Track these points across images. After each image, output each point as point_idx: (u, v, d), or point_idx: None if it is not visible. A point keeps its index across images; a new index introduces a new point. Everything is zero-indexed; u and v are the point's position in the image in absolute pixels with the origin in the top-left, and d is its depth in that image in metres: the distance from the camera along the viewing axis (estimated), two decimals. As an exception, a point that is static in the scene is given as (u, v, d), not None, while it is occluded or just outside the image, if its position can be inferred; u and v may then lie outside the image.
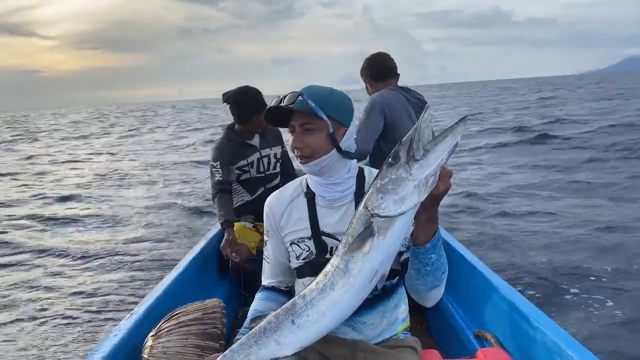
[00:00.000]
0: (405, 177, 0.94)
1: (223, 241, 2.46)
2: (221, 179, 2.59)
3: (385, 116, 2.50)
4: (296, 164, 1.51)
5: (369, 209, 0.99)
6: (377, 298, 1.30)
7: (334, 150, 1.27)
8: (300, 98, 1.23)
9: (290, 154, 1.89)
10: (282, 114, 1.30)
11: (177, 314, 1.63)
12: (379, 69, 2.73)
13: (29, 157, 16.02)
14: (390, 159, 0.97)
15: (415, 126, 0.95)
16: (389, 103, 2.53)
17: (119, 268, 4.81)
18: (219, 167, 2.60)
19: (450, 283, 2.15)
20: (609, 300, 3.75)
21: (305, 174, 1.39)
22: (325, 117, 1.24)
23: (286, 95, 1.25)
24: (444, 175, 0.99)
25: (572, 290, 3.88)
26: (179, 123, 32.24)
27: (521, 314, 1.64)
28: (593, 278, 4.14)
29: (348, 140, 1.30)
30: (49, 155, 16.55)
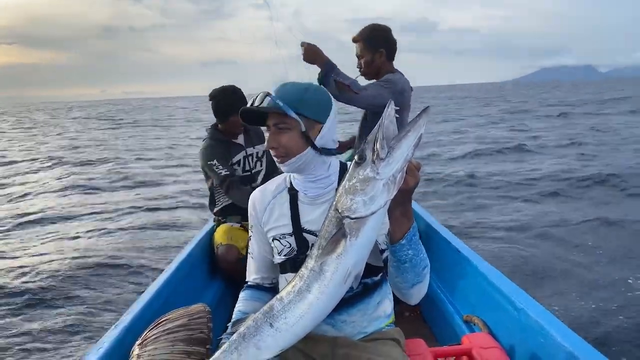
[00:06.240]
0: (373, 177, 0.93)
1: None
2: (227, 172, 2.55)
3: (396, 100, 2.32)
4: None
5: (340, 210, 0.98)
6: (357, 296, 1.30)
7: (309, 148, 1.25)
8: (268, 98, 1.21)
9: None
10: (261, 114, 1.28)
11: (162, 321, 1.62)
12: (394, 47, 2.49)
13: None
14: (356, 159, 0.95)
15: (378, 123, 0.93)
16: (406, 89, 2.41)
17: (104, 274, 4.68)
18: (218, 163, 2.56)
19: (438, 268, 2.18)
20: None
21: None
22: (295, 116, 1.21)
23: (257, 96, 1.24)
24: (412, 169, 0.98)
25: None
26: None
27: (506, 297, 1.65)
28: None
29: (325, 137, 1.27)
30: None
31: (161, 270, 2.22)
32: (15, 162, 13.11)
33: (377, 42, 2.45)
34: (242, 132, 2.72)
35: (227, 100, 2.60)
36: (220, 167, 2.55)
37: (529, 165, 9.37)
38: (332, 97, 1.32)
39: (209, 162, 2.58)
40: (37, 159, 13.36)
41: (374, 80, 2.43)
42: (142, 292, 1.95)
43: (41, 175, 10.92)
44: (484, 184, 8.02)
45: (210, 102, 2.65)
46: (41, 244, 5.73)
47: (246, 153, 2.73)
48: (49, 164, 12.37)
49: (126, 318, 1.69)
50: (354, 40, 2.52)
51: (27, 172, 11.44)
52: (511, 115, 23.49)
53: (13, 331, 3.54)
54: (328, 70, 2.25)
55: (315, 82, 2.16)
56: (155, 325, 1.60)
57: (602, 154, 10.13)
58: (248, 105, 1.25)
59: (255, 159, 2.78)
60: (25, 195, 8.68)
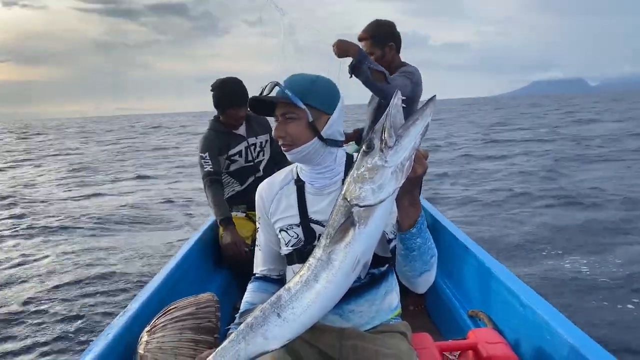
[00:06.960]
0: (381, 165, 0.93)
1: (227, 240, 2.44)
2: (211, 169, 2.59)
3: (412, 90, 2.40)
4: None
5: (348, 199, 0.98)
6: (365, 287, 1.30)
7: (316, 139, 1.27)
8: (277, 88, 1.24)
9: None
10: (269, 104, 1.30)
11: (171, 309, 1.64)
12: (400, 40, 2.54)
13: None
14: (364, 148, 0.96)
15: (386, 112, 0.94)
16: (421, 82, 2.46)
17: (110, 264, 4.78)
18: (207, 157, 2.60)
19: (444, 263, 2.18)
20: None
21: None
22: (303, 106, 1.23)
23: (267, 85, 1.26)
24: (420, 157, 0.98)
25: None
26: None
27: (512, 293, 1.65)
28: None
29: (332, 128, 1.29)
30: None
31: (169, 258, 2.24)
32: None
33: (385, 37, 2.47)
34: (243, 123, 2.73)
35: (226, 93, 2.61)
36: (208, 161, 2.59)
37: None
38: (337, 88, 1.33)
39: (200, 154, 2.62)
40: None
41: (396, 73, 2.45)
42: (149, 280, 1.98)
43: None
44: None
45: (212, 93, 2.67)
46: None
47: (248, 143, 2.73)
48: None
49: (133, 306, 1.71)
50: (360, 38, 2.52)
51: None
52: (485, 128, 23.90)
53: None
54: (362, 58, 2.22)
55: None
56: (164, 313, 1.62)
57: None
58: (259, 95, 1.27)
59: (258, 149, 2.78)
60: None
